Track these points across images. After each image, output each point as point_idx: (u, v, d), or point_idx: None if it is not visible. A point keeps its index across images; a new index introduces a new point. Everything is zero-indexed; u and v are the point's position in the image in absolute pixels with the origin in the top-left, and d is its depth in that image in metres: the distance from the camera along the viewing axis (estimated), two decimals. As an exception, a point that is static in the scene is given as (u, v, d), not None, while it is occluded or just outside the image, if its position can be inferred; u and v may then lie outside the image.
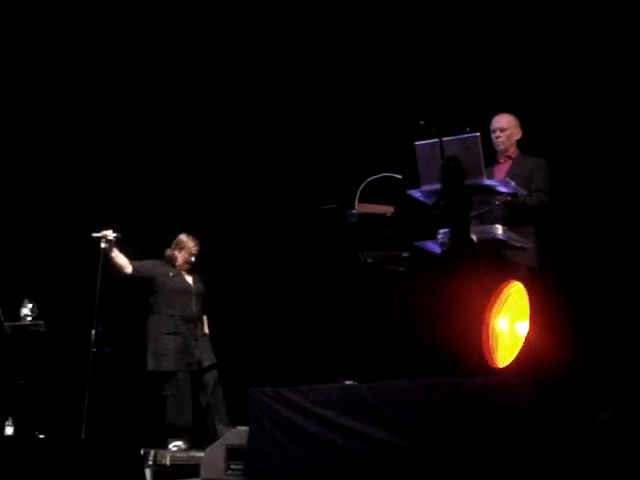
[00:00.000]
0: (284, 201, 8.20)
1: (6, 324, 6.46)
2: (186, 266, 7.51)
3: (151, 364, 7.22)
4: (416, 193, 5.63)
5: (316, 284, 7.81)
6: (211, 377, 7.34)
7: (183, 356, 7.24)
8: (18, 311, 6.76)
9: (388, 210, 5.82)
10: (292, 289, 8.07)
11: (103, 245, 7.04)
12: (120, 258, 7.17)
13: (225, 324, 7.92)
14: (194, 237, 7.51)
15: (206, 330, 7.54)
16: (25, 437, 6.01)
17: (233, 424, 6.21)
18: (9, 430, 6.10)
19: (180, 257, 7.47)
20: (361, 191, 5.79)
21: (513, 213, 5.74)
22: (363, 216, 5.78)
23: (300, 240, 7.96)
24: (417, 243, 5.79)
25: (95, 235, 7.05)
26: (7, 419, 6.15)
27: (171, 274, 7.43)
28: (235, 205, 8.53)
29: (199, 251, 7.50)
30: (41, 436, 6.30)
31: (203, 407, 7.30)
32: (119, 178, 8.63)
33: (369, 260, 5.83)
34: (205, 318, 7.58)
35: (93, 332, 6.82)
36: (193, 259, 7.51)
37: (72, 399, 6.88)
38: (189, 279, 7.52)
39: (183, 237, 7.51)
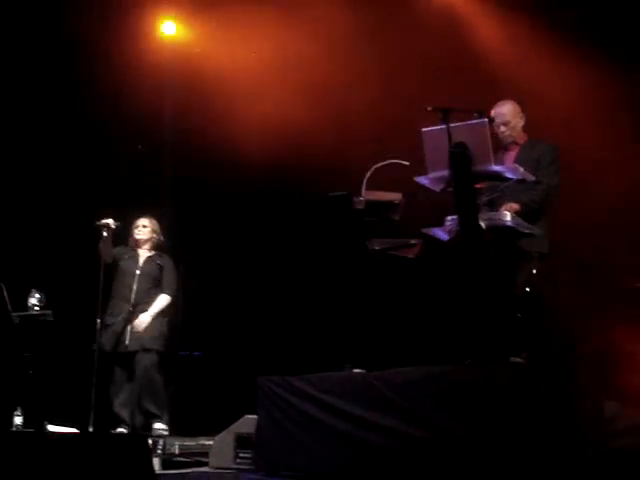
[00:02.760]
0: (291, 188, 8.16)
1: (14, 314, 6.37)
2: (144, 245, 7.45)
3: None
4: (424, 180, 5.58)
5: (323, 272, 7.78)
6: (140, 364, 7.11)
7: (114, 338, 7.10)
8: (26, 301, 6.70)
9: (395, 197, 5.77)
10: (299, 277, 8.05)
11: (105, 234, 7.08)
12: (110, 247, 7.22)
13: (232, 313, 7.91)
14: (146, 216, 7.49)
15: (149, 313, 7.21)
16: (33, 428, 6.00)
17: (241, 413, 6.15)
18: (18, 420, 6.10)
19: (133, 235, 7.47)
20: (368, 178, 5.74)
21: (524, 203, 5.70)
22: (370, 203, 5.74)
23: (307, 228, 7.92)
24: (425, 230, 5.76)
25: (98, 223, 7.07)
26: (15, 409, 6.14)
27: (127, 256, 7.41)
28: (241, 192, 8.49)
29: (148, 226, 7.42)
30: (50, 427, 6.29)
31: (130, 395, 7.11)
32: (126, 166, 8.62)
33: (376, 247, 5.79)
34: (160, 298, 7.31)
35: (98, 321, 6.84)
36: (142, 235, 7.43)
37: (80, 389, 6.88)
38: (141, 260, 7.41)
39: None
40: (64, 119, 8.56)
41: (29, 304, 6.73)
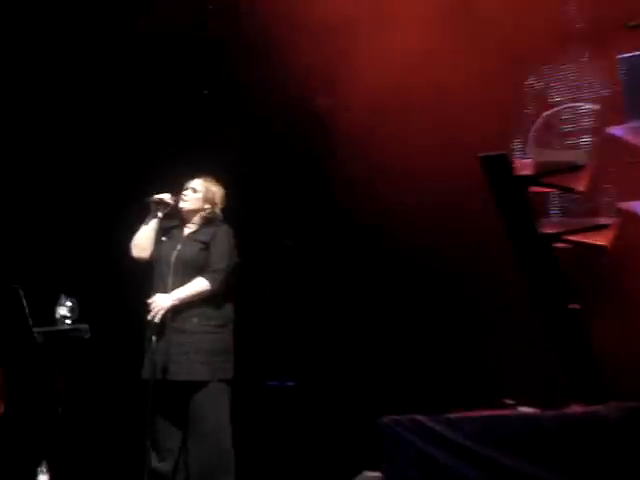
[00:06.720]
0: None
1: (36, 330, 5.11)
2: (191, 217, 5.34)
3: None
4: (619, 131, 4.58)
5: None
6: (188, 400, 5.02)
7: (150, 359, 5.03)
8: (53, 312, 5.42)
9: (578, 157, 4.69)
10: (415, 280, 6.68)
11: (160, 214, 5.24)
12: (153, 236, 5.23)
13: (333, 330, 6.50)
14: (203, 177, 5.43)
15: (170, 296, 5.03)
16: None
17: (350, 463, 4.85)
18: (43, 479, 4.86)
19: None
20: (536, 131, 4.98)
21: None
22: (541, 166, 4.52)
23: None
24: (623, 205, 4.76)
25: (150, 199, 5.25)
26: (40, 464, 4.92)
27: (164, 238, 5.32)
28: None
29: (199, 190, 5.30)
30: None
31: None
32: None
33: (549, 230, 4.53)
34: (193, 282, 5.10)
35: (154, 339, 5.12)
36: (186, 204, 5.27)
37: (130, 430, 5.50)
38: (183, 240, 5.31)
39: None
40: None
41: (58, 315, 5.41)
